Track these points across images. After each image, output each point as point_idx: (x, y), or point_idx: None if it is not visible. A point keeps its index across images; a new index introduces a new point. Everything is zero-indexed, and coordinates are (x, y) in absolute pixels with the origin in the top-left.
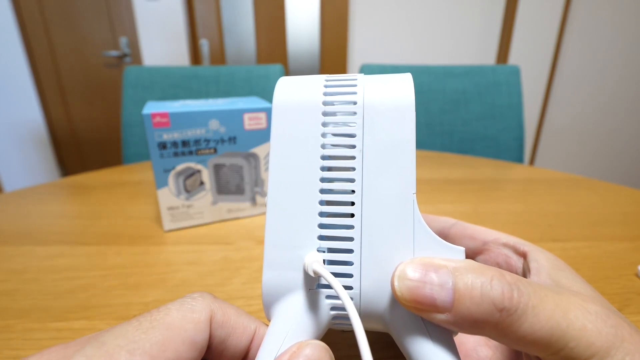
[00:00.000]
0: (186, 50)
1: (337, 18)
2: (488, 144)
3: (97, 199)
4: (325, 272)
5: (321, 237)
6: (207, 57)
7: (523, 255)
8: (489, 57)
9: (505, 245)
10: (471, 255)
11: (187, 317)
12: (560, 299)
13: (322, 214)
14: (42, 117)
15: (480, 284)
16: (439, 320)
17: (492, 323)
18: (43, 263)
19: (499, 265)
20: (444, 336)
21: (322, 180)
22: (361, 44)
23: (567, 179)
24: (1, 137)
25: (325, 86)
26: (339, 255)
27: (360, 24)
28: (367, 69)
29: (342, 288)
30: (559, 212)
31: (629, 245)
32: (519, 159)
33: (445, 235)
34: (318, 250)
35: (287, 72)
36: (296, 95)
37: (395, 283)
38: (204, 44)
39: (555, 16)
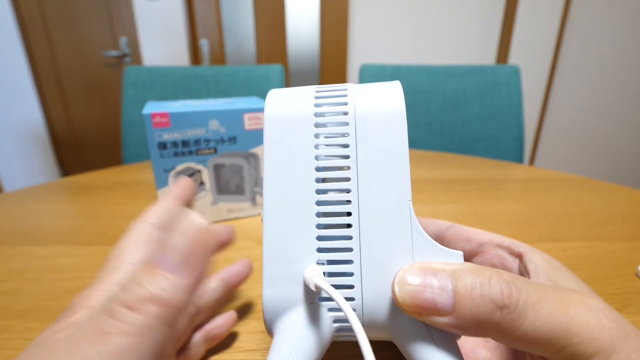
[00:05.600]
0: (186, 50)
1: (337, 18)
2: (488, 144)
3: (97, 199)
4: (327, 286)
5: (320, 250)
6: (207, 57)
7: (518, 256)
8: (489, 57)
9: (500, 246)
10: (467, 257)
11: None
12: (560, 296)
13: (319, 226)
14: (42, 118)
15: (480, 284)
16: (442, 324)
17: (494, 322)
18: (43, 263)
19: (494, 267)
20: (448, 341)
21: (318, 191)
22: (361, 44)
23: (567, 179)
24: (1, 137)
25: (316, 97)
26: (339, 266)
27: (360, 24)
28: (367, 69)
29: (344, 301)
30: (559, 212)
31: (629, 245)
32: (519, 159)
33: (441, 239)
34: (317, 263)
35: (287, 72)
36: (287, 107)
37: (396, 289)
38: (204, 44)
39: (555, 16)
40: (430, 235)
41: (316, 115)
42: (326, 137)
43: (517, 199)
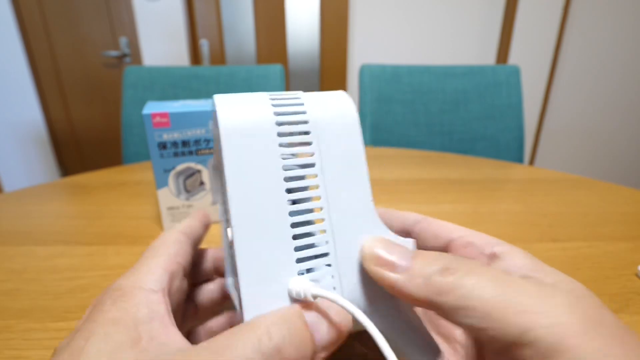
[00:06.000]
0: (186, 50)
1: (337, 18)
2: (488, 144)
3: (97, 199)
4: (327, 292)
5: (299, 260)
6: (207, 57)
7: (491, 257)
8: (489, 57)
9: (470, 244)
10: None
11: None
12: (511, 278)
13: (295, 237)
14: (42, 117)
15: (433, 254)
16: (394, 279)
17: (438, 281)
18: (43, 263)
19: None
20: (418, 321)
21: (290, 202)
22: (361, 44)
23: (567, 179)
24: (1, 137)
25: (273, 105)
26: (320, 272)
27: (360, 24)
28: (367, 69)
29: (348, 302)
30: (559, 212)
31: (629, 245)
32: (519, 159)
33: (408, 233)
34: (299, 274)
35: (287, 72)
36: (246, 116)
37: (365, 245)
38: (204, 44)
39: (555, 16)
40: (396, 230)
41: (278, 124)
42: (289, 147)
43: (517, 199)
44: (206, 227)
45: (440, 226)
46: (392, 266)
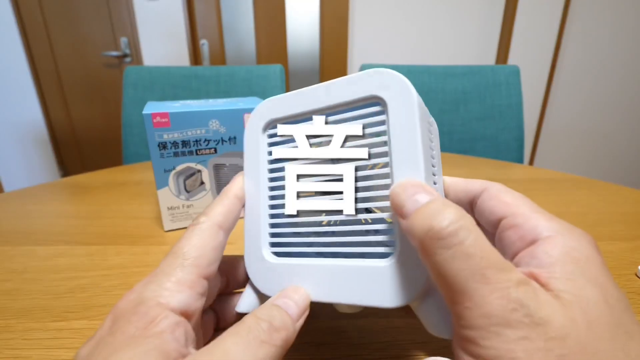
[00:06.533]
0: (186, 51)
1: (337, 18)
2: (488, 144)
3: (97, 199)
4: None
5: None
6: (207, 58)
7: (531, 244)
8: (488, 58)
9: (513, 227)
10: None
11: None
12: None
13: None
14: (42, 117)
15: (441, 219)
16: (400, 221)
17: (424, 245)
18: (43, 263)
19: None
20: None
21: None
22: (361, 44)
23: (567, 179)
24: (1, 137)
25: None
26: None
27: (360, 24)
28: (367, 69)
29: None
30: (559, 212)
31: (629, 245)
32: (519, 159)
33: (473, 204)
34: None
35: (287, 72)
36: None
37: (396, 187)
38: (204, 44)
39: (555, 16)
40: (463, 201)
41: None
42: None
43: None
44: (243, 204)
45: (497, 201)
46: (399, 210)
